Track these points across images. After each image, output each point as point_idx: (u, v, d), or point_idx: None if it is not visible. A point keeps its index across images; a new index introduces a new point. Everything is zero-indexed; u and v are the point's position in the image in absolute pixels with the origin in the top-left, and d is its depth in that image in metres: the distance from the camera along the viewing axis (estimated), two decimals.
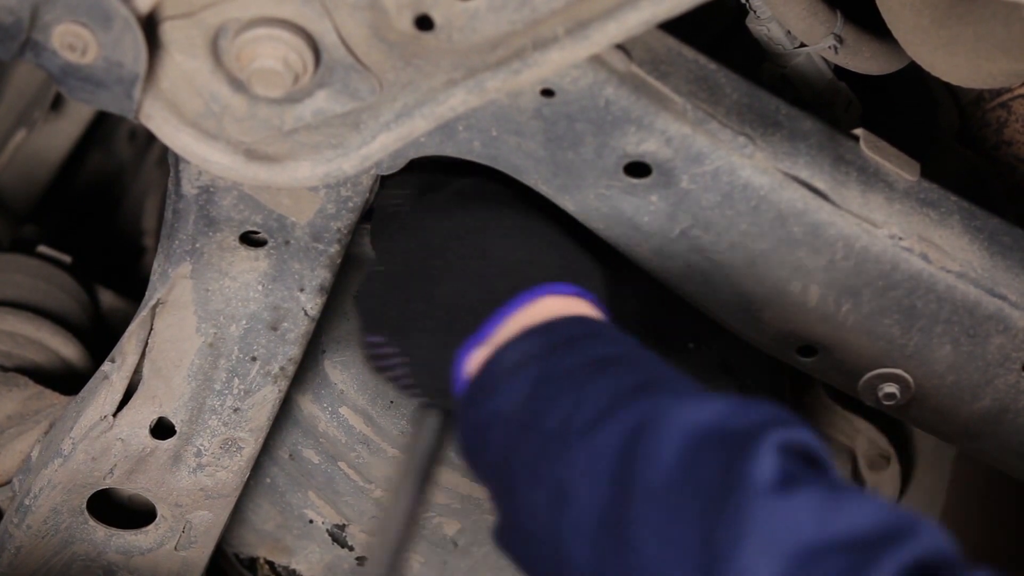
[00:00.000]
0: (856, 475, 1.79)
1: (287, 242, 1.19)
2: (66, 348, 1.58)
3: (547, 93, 1.06)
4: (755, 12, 1.28)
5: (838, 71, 1.34)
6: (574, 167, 1.11)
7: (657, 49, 1.11)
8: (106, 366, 1.27)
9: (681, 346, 1.47)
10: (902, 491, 1.80)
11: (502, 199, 1.09)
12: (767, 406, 0.84)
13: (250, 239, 1.19)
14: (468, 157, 1.11)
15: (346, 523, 1.49)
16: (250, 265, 1.20)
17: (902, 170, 1.18)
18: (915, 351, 1.20)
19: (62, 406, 1.41)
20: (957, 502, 1.76)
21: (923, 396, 1.23)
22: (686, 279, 1.17)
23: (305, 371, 1.38)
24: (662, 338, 1.46)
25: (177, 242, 1.19)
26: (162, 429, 1.29)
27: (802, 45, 1.30)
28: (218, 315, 1.23)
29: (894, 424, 1.78)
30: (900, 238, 1.15)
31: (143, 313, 1.23)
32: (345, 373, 1.38)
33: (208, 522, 1.36)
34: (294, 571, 1.53)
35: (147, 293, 1.24)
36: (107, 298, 1.75)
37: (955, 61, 1.20)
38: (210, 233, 1.18)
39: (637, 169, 1.11)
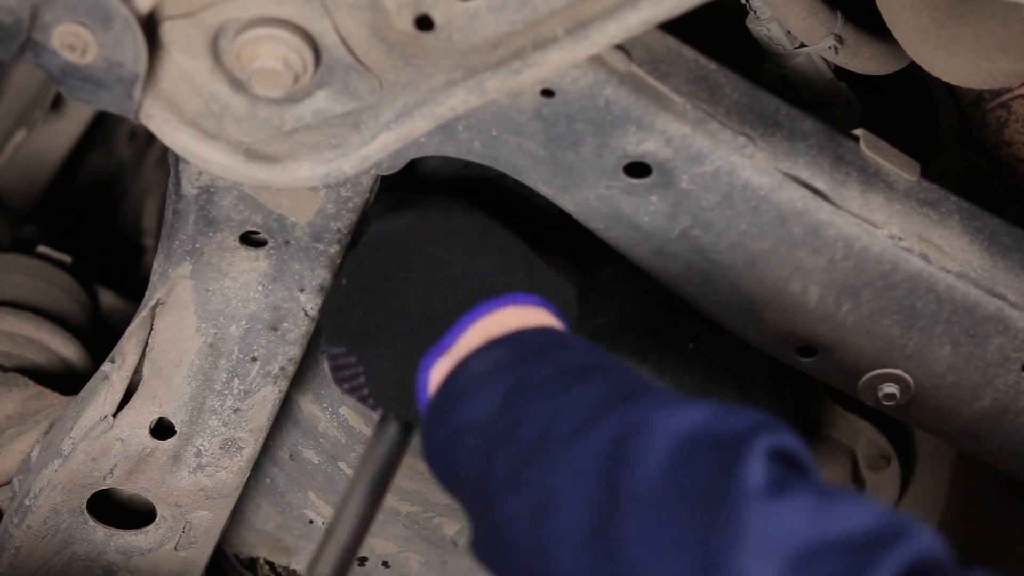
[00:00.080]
0: (856, 475, 1.79)
1: (287, 242, 1.19)
2: (66, 348, 1.58)
3: (547, 93, 1.06)
4: (755, 12, 1.28)
5: (838, 71, 1.34)
6: (574, 167, 1.11)
7: (657, 49, 1.11)
8: (106, 366, 1.27)
9: (681, 346, 1.47)
10: (902, 491, 1.80)
11: (469, 215, 1.09)
12: (751, 412, 0.84)
13: (250, 239, 1.19)
14: (468, 157, 1.11)
15: None
16: (250, 265, 1.20)
17: (902, 170, 1.18)
18: (915, 351, 1.20)
19: (62, 406, 1.41)
20: (957, 502, 1.76)
21: (923, 396, 1.23)
22: (686, 279, 1.17)
23: (305, 371, 1.38)
24: (662, 338, 1.46)
25: (177, 242, 1.19)
26: (162, 429, 1.29)
27: (802, 45, 1.30)
28: (218, 315, 1.22)
29: (894, 424, 1.78)
30: (900, 238, 1.15)
31: (143, 313, 1.23)
32: None
33: (208, 522, 1.36)
34: (294, 571, 1.54)
35: (147, 293, 1.24)
36: (107, 298, 1.75)
37: (955, 61, 1.20)
38: (210, 233, 1.18)
39: (637, 169, 1.11)
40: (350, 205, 1.17)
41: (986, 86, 1.24)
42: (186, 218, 1.17)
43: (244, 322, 1.23)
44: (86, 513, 1.35)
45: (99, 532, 1.36)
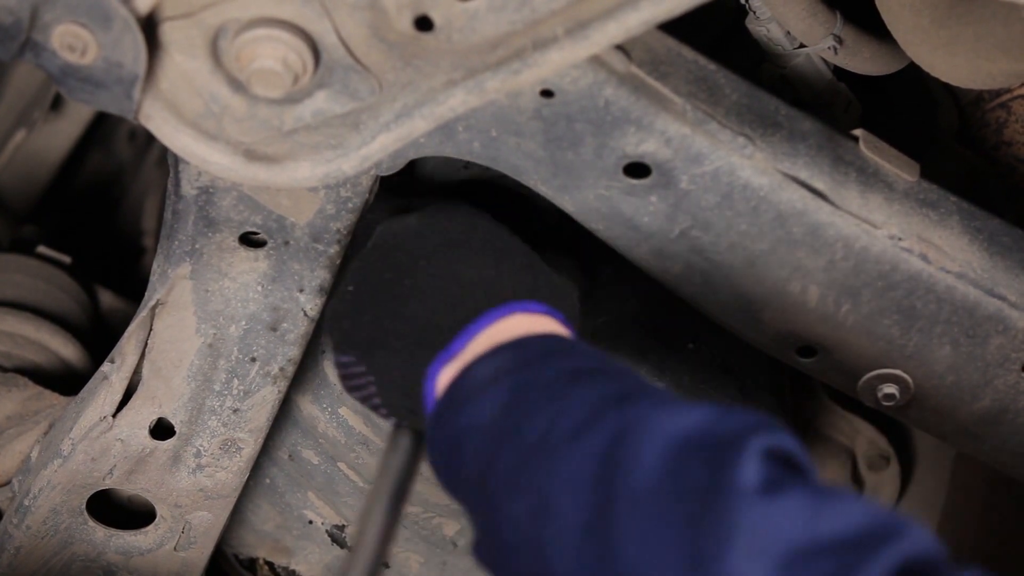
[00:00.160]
0: (856, 475, 1.79)
1: (287, 243, 1.19)
2: (66, 349, 1.58)
3: (547, 94, 1.06)
4: (755, 13, 1.28)
5: (838, 71, 1.34)
6: (574, 168, 1.11)
7: (657, 49, 1.11)
8: (106, 367, 1.27)
9: (681, 346, 1.47)
10: (902, 491, 1.80)
11: (474, 220, 1.09)
12: (748, 412, 0.84)
13: (250, 240, 1.19)
14: (468, 158, 1.11)
15: (345, 524, 1.49)
16: (250, 266, 1.20)
17: (901, 171, 1.18)
18: (915, 352, 1.20)
19: (62, 407, 1.41)
20: (957, 502, 1.76)
21: (923, 397, 1.23)
22: (686, 280, 1.17)
23: (305, 372, 1.38)
24: (662, 338, 1.46)
25: (177, 243, 1.19)
26: (161, 430, 1.29)
27: (802, 46, 1.30)
28: (218, 316, 1.22)
29: (894, 424, 1.78)
30: (899, 238, 1.15)
31: (143, 314, 1.23)
32: None
33: (207, 523, 1.36)
34: (293, 571, 1.54)
35: (147, 294, 1.24)
36: (107, 298, 1.75)
37: (955, 61, 1.19)
38: (210, 234, 1.18)
39: (637, 170, 1.11)
40: (349, 205, 1.17)
41: (986, 86, 1.24)
42: (186, 218, 1.17)
43: (243, 322, 1.23)
44: (86, 513, 1.35)
45: (99, 532, 1.36)
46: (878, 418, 1.74)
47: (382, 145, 1.05)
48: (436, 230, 1.07)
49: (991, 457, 1.31)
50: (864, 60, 1.30)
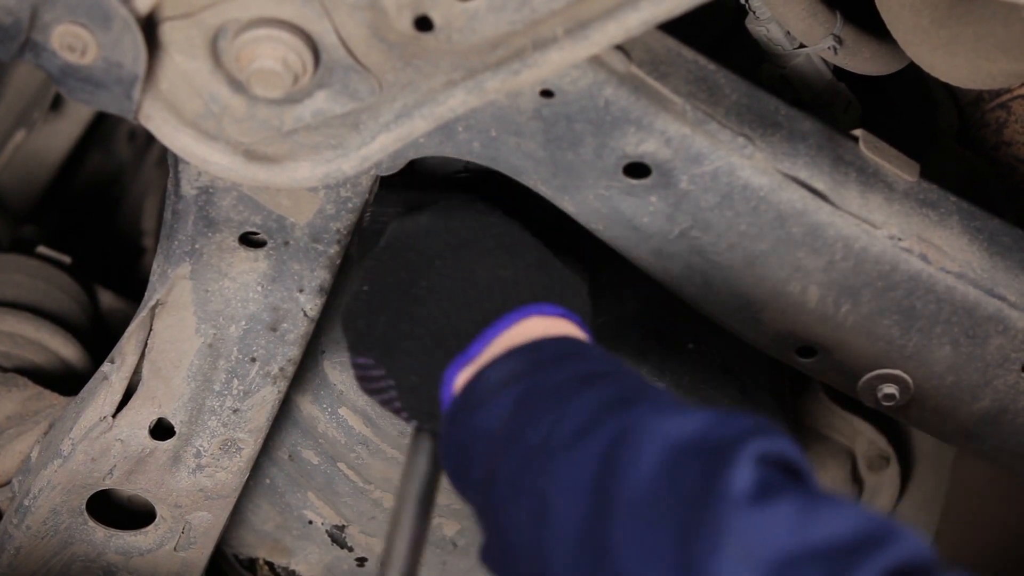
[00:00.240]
0: (855, 476, 1.79)
1: (286, 243, 1.19)
2: (66, 349, 1.58)
3: (546, 94, 1.06)
4: (755, 13, 1.28)
5: (837, 71, 1.34)
6: (573, 168, 1.11)
7: (657, 50, 1.11)
8: (105, 367, 1.27)
9: (681, 346, 1.47)
10: (901, 491, 1.80)
11: (487, 217, 1.08)
12: (747, 417, 0.84)
13: (249, 240, 1.19)
14: (467, 158, 1.11)
15: (345, 524, 1.49)
16: (249, 266, 1.20)
17: (901, 171, 1.18)
18: (914, 352, 1.20)
19: (61, 407, 1.41)
20: (957, 502, 1.76)
21: (922, 397, 1.23)
22: (685, 280, 1.17)
23: (304, 372, 1.38)
24: (662, 338, 1.46)
25: (176, 243, 1.19)
26: (161, 430, 1.29)
27: (801, 46, 1.30)
28: (217, 316, 1.22)
29: (893, 424, 1.78)
30: (899, 239, 1.15)
31: (142, 314, 1.23)
32: (344, 374, 1.38)
33: (207, 523, 1.36)
34: (293, 572, 1.53)
35: (146, 294, 1.24)
36: (107, 298, 1.75)
37: (955, 61, 1.19)
38: (209, 234, 1.18)
39: (636, 170, 1.11)
40: (349, 206, 1.17)
41: (986, 86, 1.24)
42: (185, 219, 1.17)
43: (243, 323, 1.23)
44: (86, 514, 1.35)
45: (99, 533, 1.36)
46: (878, 418, 1.74)
47: (382, 145, 1.05)
48: (450, 228, 1.07)
49: (991, 457, 1.31)
50: (864, 60, 1.30)
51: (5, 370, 1.51)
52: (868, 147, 1.17)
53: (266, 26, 0.98)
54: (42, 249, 1.72)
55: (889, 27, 1.21)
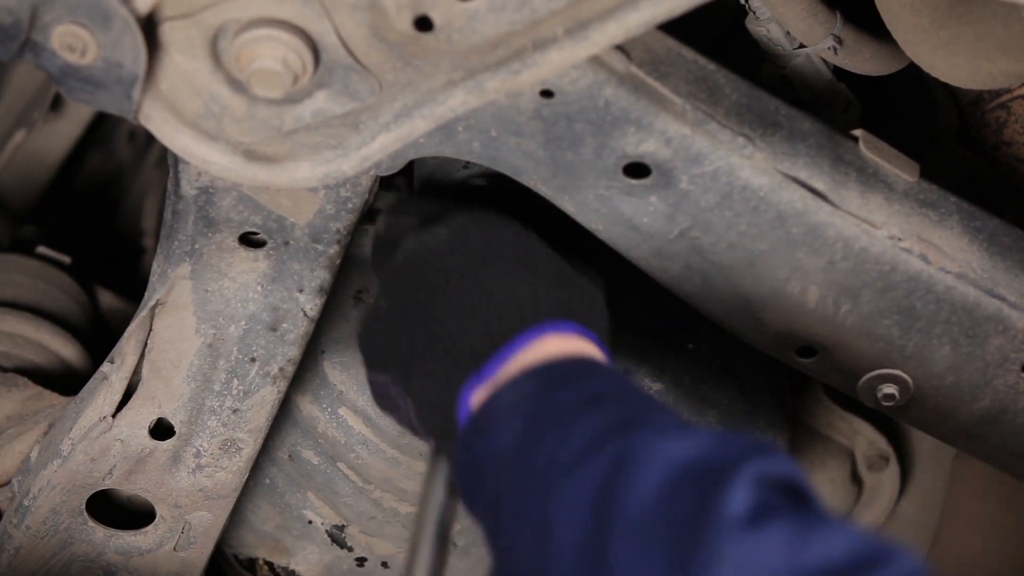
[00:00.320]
0: (855, 476, 1.79)
1: (286, 243, 1.19)
2: (65, 349, 1.58)
3: (546, 94, 1.06)
4: (755, 13, 1.28)
5: (837, 72, 1.34)
6: (573, 168, 1.11)
7: (657, 50, 1.11)
8: (105, 367, 1.27)
9: (681, 346, 1.47)
10: (901, 491, 1.80)
11: (505, 231, 1.08)
12: (748, 438, 0.83)
13: (249, 240, 1.19)
14: (467, 158, 1.11)
15: (345, 524, 1.49)
16: (249, 266, 1.20)
17: (901, 171, 1.18)
18: (914, 352, 1.20)
19: (61, 407, 1.41)
20: (957, 502, 1.76)
21: (922, 397, 1.23)
22: (685, 280, 1.17)
23: (304, 372, 1.38)
24: (662, 338, 1.46)
25: (176, 243, 1.19)
26: (161, 430, 1.29)
27: (801, 46, 1.30)
28: (217, 316, 1.22)
29: (893, 424, 1.78)
30: (899, 239, 1.15)
31: (142, 314, 1.23)
32: (344, 374, 1.38)
33: (207, 523, 1.36)
34: (293, 572, 1.53)
35: (146, 294, 1.24)
36: (107, 298, 1.75)
37: (955, 61, 1.19)
38: (209, 234, 1.18)
39: (636, 170, 1.11)
40: (349, 206, 1.17)
41: (986, 86, 1.24)
42: (185, 219, 1.17)
43: (243, 323, 1.23)
44: (85, 514, 1.35)
45: (98, 533, 1.36)
46: (877, 418, 1.74)
47: (382, 145, 1.05)
48: (468, 245, 1.06)
49: (991, 457, 1.31)
50: (864, 60, 1.30)
51: (5, 370, 1.51)
52: (868, 147, 1.17)
53: (266, 26, 0.98)
54: (42, 249, 1.72)
55: (889, 27, 1.21)
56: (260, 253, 1.20)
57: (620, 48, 1.07)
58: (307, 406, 1.41)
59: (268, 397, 1.27)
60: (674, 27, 1.06)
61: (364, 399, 1.38)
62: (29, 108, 1.86)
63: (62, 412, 1.36)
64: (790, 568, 0.75)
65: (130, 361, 1.25)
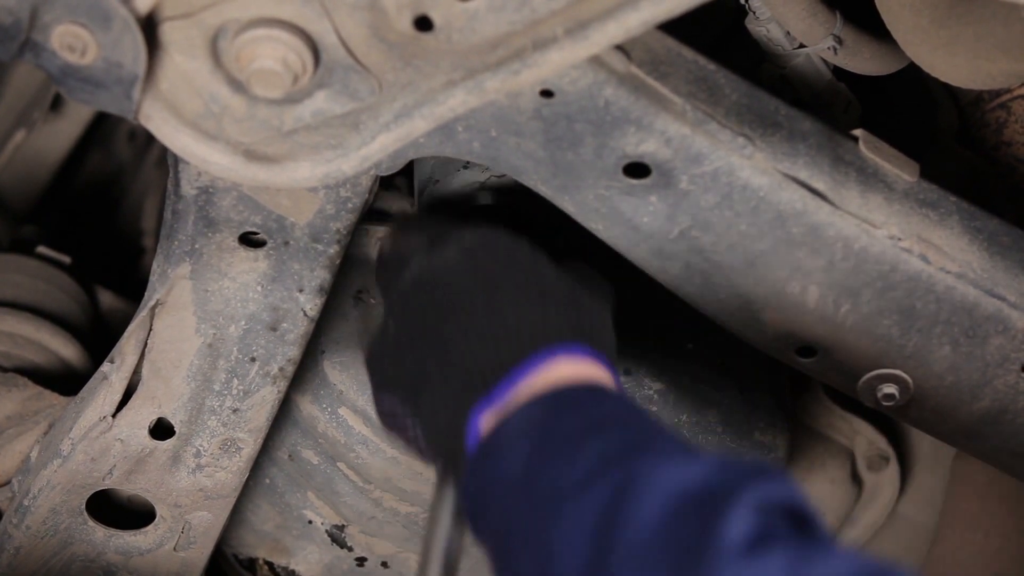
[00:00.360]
0: (855, 476, 1.79)
1: (286, 243, 1.19)
2: (65, 349, 1.58)
3: (546, 94, 1.06)
4: (754, 13, 1.28)
5: (837, 72, 1.34)
6: (573, 168, 1.11)
7: (657, 50, 1.11)
8: (105, 367, 1.27)
9: (681, 346, 1.47)
10: (901, 491, 1.80)
11: (514, 252, 1.07)
12: (751, 463, 0.83)
13: (249, 240, 1.19)
14: (467, 158, 1.11)
15: (345, 524, 1.49)
16: (249, 266, 1.20)
17: (901, 171, 1.18)
18: (914, 352, 1.20)
19: (61, 407, 1.41)
20: (957, 502, 1.76)
21: (922, 397, 1.23)
22: (685, 280, 1.17)
23: (304, 372, 1.38)
24: (662, 338, 1.46)
25: (176, 243, 1.19)
26: (161, 430, 1.29)
27: (801, 46, 1.30)
28: (217, 316, 1.23)
29: (893, 424, 1.78)
30: (899, 239, 1.15)
31: (142, 314, 1.23)
32: (344, 374, 1.38)
33: (207, 523, 1.36)
34: (293, 571, 1.54)
35: (146, 294, 1.24)
36: (106, 298, 1.75)
37: (955, 61, 1.20)
38: (209, 234, 1.18)
39: (636, 170, 1.11)
40: (349, 206, 1.17)
41: (986, 86, 1.24)
42: (185, 219, 1.17)
43: (243, 322, 1.23)
44: (85, 514, 1.35)
45: (98, 532, 1.36)
46: (877, 418, 1.74)
47: (382, 145, 1.05)
48: (477, 266, 1.06)
49: (991, 457, 1.31)
50: (864, 60, 1.30)
51: (5, 370, 1.51)
52: (868, 147, 1.17)
53: (266, 26, 0.98)
54: (42, 249, 1.72)
55: (889, 27, 1.21)
56: (260, 253, 1.20)
57: (620, 48, 1.07)
58: (307, 406, 1.41)
59: (268, 397, 1.28)
60: (674, 27, 1.06)
61: (364, 399, 1.38)
62: (29, 108, 1.86)
63: (62, 412, 1.36)
64: None
65: (130, 361, 1.25)
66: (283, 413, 1.36)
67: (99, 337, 1.66)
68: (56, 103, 1.89)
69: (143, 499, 1.35)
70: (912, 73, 1.29)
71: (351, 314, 1.40)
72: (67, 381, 1.54)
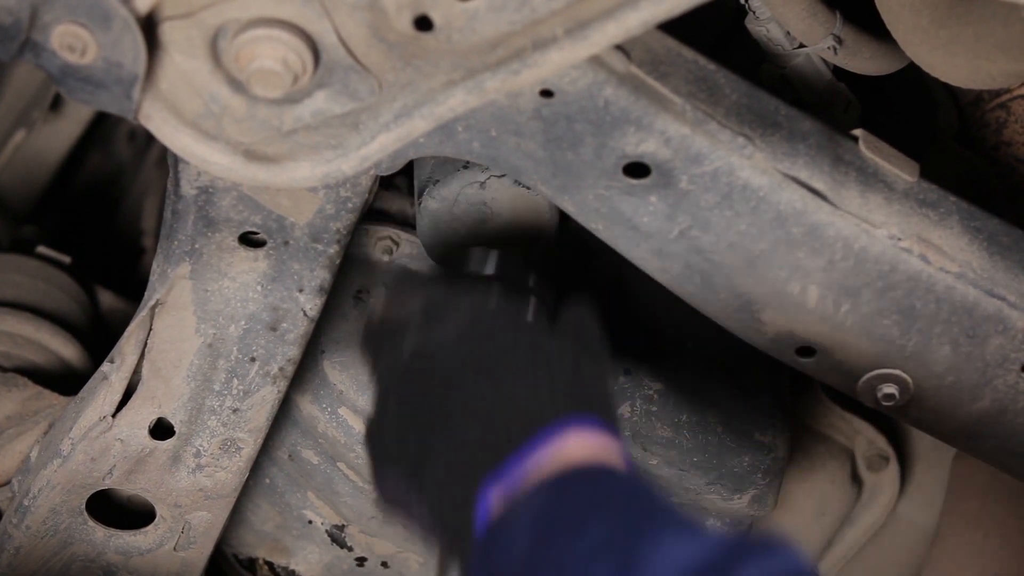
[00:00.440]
0: (855, 476, 1.79)
1: (286, 243, 1.19)
2: (65, 349, 1.58)
3: (546, 94, 1.06)
4: (754, 13, 1.28)
5: (837, 71, 1.34)
6: (573, 168, 1.11)
7: (657, 49, 1.11)
8: (105, 367, 1.27)
9: (681, 346, 1.47)
10: (901, 491, 1.80)
11: (517, 320, 1.05)
12: (754, 540, 0.83)
13: (249, 240, 1.19)
14: (467, 158, 1.11)
15: (345, 523, 1.49)
16: (249, 266, 1.20)
17: (901, 170, 1.18)
18: (914, 352, 1.20)
19: (61, 407, 1.41)
20: (957, 502, 1.76)
21: (922, 397, 1.23)
22: (685, 280, 1.17)
23: (304, 372, 1.38)
24: (662, 338, 1.46)
25: (176, 243, 1.19)
26: (161, 430, 1.29)
27: (801, 46, 1.30)
28: (217, 316, 1.23)
29: (893, 424, 1.78)
30: (899, 239, 1.15)
31: (142, 314, 1.23)
32: (344, 374, 1.38)
33: (207, 523, 1.36)
34: (293, 571, 1.54)
35: (146, 294, 1.24)
36: (106, 298, 1.75)
37: (954, 61, 1.19)
38: (209, 234, 1.18)
39: (636, 170, 1.11)
40: (349, 205, 1.17)
41: (986, 86, 1.24)
42: (185, 218, 1.18)
43: (243, 322, 1.23)
44: (85, 513, 1.35)
45: (98, 532, 1.36)
46: (877, 418, 1.74)
47: (381, 145, 1.05)
48: (479, 339, 1.04)
49: (991, 457, 1.31)
50: (864, 60, 1.30)
51: (5, 370, 1.51)
52: (868, 147, 1.17)
53: (266, 26, 0.98)
54: (42, 249, 1.72)
55: (889, 27, 1.21)
56: (260, 253, 1.20)
57: (620, 48, 1.07)
58: (307, 406, 1.41)
59: (268, 397, 1.28)
60: (674, 27, 1.06)
61: (364, 399, 1.38)
62: (29, 108, 1.86)
63: (62, 412, 1.36)
64: None
65: (130, 361, 1.25)
66: (283, 413, 1.36)
67: (99, 337, 1.66)
68: (56, 103, 1.89)
69: (143, 499, 1.35)
70: (912, 73, 1.29)
71: (351, 314, 1.40)
72: (67, 381, 1.54)
